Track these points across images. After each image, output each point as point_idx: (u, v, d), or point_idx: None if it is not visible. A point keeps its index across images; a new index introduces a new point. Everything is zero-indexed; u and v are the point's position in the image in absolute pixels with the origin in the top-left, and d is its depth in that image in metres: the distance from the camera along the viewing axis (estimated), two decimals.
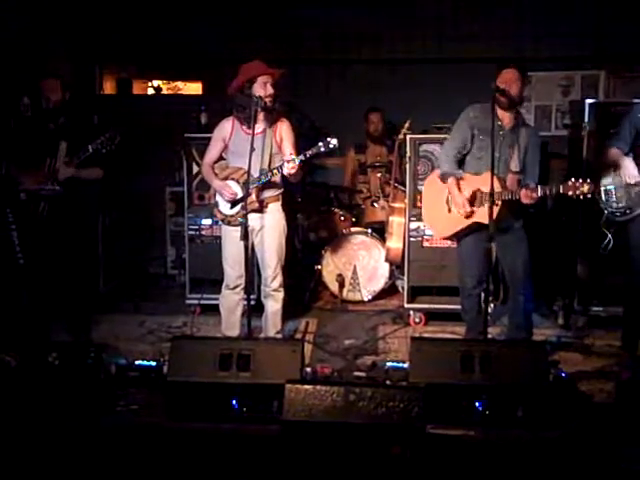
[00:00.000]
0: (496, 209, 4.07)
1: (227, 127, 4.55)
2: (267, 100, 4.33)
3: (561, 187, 4.02)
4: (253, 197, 4.38)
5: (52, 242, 4.65)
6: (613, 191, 4.56)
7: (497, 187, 4.08)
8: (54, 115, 4.74)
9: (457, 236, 4.53)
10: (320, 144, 4.22)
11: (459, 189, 4.37)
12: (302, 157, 4.25)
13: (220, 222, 4.67)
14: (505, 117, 4.33)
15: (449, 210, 4.47)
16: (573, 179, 3.99)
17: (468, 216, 4.36)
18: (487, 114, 4.22)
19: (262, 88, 4.34)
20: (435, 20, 6.77)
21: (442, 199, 4.50)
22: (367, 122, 6.62)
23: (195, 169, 5.64)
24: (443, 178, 4.49)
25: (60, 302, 4.86)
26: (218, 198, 4.61)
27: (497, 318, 5.29)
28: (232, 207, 4.54)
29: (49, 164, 4.68)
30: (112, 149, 4.65)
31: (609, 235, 4.70)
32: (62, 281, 4.79)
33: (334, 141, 4.20)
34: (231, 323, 4.71)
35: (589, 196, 4.00)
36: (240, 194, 4.47)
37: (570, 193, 3.98)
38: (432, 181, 4.68)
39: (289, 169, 4.24)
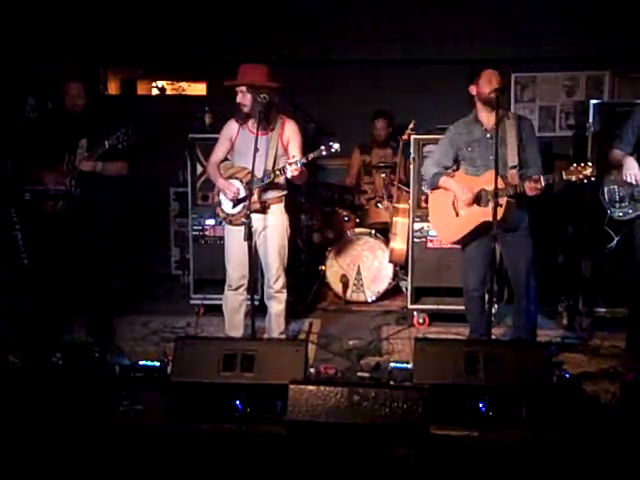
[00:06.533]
0: (501, 210, 4.06)
1: (233, 127, 4.55)
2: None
3: (564, 173, 4.02)
4: (255, 197, 4.36)
5: (67, 240, 4.64)
6: (616, 191, 4.56)
7: (500, 184, 4.06)
8: (80, 119, 4.76)
9: (465, 240, 4.47)
10: (322, 148, 4.21)
11: (455, 180, 4.42)
12: (304, 160, 4.24)
13: (222, 221, 4.68)
14: (485, 117, 4.35)
15: (457, 214, 4.44)
16: (575, 164, 4.01)
17: (470, 204, 4.34)
18: (468, 125, 4.42)
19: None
20: (441, 21, 6.76)
21: (449, 203, 4.47)
22: (372, 127, 6.61)
23: (199, 169, 5.64)
24: (434, 181, 4.50)
25: (80, 302, 4.86)
26: (221, 197, 4.61)
27: (501, 319, 5.29)
28: (234, 206, 4.54)
29: (68, 161, 4.68)
30: (129, 144, 4.64)
31: (615, 237, 4.69)
32: (80, 281, 4.78)
33: (336, 145, 4.20)
34: (234, 324, 4.71)
35: (592, 179, 4.00)
36: (243, 193, 4.48)
37: (573, 178, 3.99)
38: None
39: (291, 171, 4.23)
